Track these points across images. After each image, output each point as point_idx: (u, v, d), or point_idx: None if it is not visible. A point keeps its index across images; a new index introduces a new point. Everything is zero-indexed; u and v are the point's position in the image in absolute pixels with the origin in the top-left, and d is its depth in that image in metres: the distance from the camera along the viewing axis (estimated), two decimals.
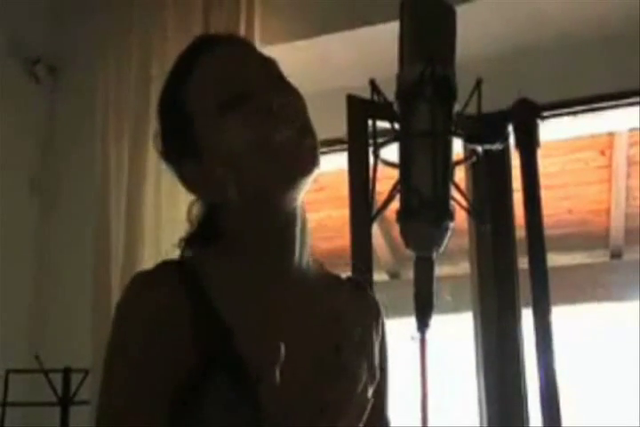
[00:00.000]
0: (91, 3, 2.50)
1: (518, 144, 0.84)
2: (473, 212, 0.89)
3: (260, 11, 2.31)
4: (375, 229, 3.04)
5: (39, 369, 1.95)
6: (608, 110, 2.23)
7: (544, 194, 3.26)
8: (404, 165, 0.89)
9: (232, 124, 0.94)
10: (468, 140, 0.89)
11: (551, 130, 2.40)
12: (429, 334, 0.92)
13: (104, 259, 2.12)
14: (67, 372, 1.99)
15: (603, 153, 2.64)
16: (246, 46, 1.05)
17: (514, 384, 2.02)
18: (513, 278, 2.17)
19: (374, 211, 0.91)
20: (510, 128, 0.86)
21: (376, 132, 0.94)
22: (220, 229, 1.03)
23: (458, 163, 0.92)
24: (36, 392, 2.00)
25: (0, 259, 2.24)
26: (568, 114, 2.22)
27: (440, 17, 0.95)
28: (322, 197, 2.77)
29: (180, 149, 1.01)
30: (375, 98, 0.95)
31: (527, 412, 2.00)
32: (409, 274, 3.11)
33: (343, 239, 2.04)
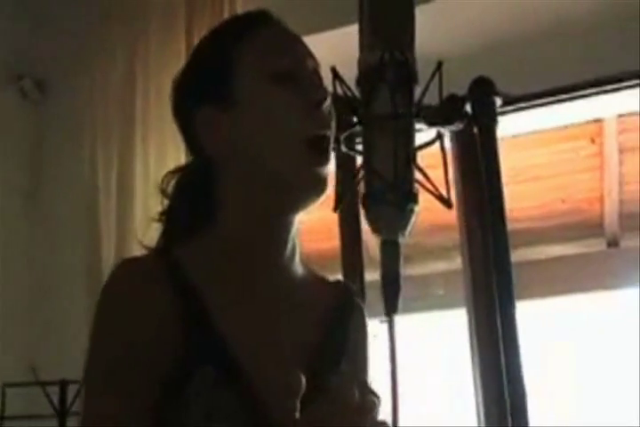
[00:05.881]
0: (75, 16, 2.51)
1: (476, 122, 0.83)
2: (438, 195, 0.88)
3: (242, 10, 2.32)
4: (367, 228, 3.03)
5: (35, 382, 1.95)
6: (594, 97, 2.23)
7: (536, 185, 3.21)
8: (366, 149, 0.89)
9: (280, 94, 0.94)
10: (429, 122, 0.88)
11: (537, 120, 2.39)
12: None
13: (96, 270, 2.12)
14: (63, 384, 1.99)
15: (593, 141, 2.62)
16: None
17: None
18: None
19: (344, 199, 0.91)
20: (469, 108, 0.85)
21: (340, 120, 0.94)
22: (212, 212, 1.00)
23: (422, 147, 0.92)
24: (33, 405, 1.99)
25: None
26: (552, 103, 2.22)
27: (398, 2, 0.95)
28: None
29: (206, 94, 0.99)
30: (338, 86, 0.95)
31: (526, 405, 1.98)
32: (405, 271, 3.10)
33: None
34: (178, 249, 0.99)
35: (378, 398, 0.80)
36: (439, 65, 0.92)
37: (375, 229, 0.86)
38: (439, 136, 0.91)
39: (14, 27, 2.54)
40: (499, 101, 0.84)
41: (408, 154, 0.89)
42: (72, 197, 2.32)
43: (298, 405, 0.74)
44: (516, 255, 2.67)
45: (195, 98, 1.01)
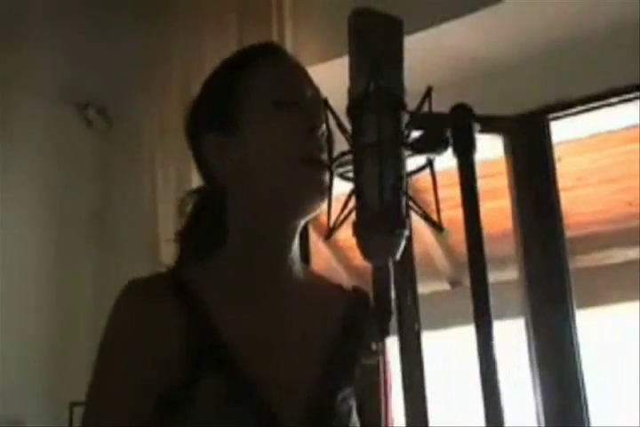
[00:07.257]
0: (134, 45, 2.61)
1: (455, 149, 0.84)
2: (428, 219, 0.89)
3: (291, 34, 2.36)
4: (431, 238, 3.04)
5: None
6: None
7: (601, 188, 3.17)
8: (356, 177, 0.91)
9: (279, 120, 1.02)
10: (412, 149, 0.89)
11: (594, 123, 2.34)
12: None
13: None
14: None
15: None
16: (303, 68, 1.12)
17: (571, 388, 1.96)
18: (564, 280, 2.12)
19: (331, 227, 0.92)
20: (449, 134, 0.85)
21: (332, 149, 0.96)
22: (221, 233, 1.06)
23: (412, 173, 0.93)
24: None
25: (63, 293, 2.36)
26: (604, 106, 2.17)
27: (384, 29, 0.96)
28: None
29: (213, 121, 1.07)
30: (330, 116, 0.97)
31: (588, 415, 1.94)
32: (458, 283, 3.06)
33: None
34: (187, 272, 1.04)
35: None
36: (428, 90, 0.93)
37: (365, 255, 0.88)
38: (429, 162, 0.92)
39: (77, 56, 2.65)
40: (477, 127, 0.84)
41: (396, 181, 0.90)
42: (134, 221, 2.41)
43: None
44: (583, 261, 2.62)
45: (202, 125, 1.07)
